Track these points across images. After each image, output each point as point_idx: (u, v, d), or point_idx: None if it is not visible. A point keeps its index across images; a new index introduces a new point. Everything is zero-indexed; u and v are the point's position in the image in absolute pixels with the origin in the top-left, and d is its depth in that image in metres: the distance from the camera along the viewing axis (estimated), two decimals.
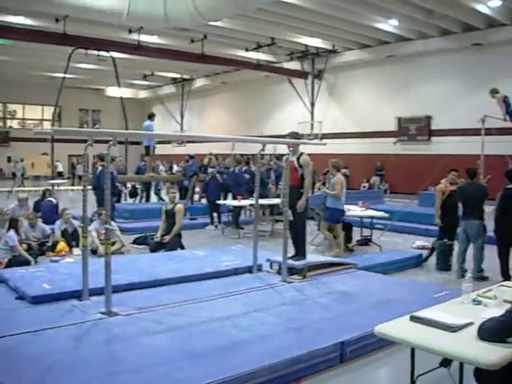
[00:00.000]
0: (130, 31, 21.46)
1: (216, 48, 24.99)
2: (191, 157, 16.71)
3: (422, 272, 9.14)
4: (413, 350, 3.41)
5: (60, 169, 32.57)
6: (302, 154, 7.71)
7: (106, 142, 5.48)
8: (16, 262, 8.43)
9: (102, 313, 5.46)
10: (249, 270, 7.67)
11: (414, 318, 3.56)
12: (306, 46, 25.67)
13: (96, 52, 21.73)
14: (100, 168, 11.77)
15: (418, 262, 9.57)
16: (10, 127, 38.81)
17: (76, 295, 5.98)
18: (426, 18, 19.80)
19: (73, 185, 30.22)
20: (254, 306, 5.94)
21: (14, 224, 9.09)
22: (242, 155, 15.50)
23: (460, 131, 20.61)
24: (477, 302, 3.96)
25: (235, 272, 7.62)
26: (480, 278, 8.16)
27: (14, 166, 30.89)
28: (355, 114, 26.45)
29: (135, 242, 11.31)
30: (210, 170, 14.95)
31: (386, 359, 4.96)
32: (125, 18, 17.71)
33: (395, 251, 10.32)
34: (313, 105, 28.43)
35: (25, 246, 9.26)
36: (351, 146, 26.02)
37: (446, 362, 3.59)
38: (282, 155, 7.42)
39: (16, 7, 17.08)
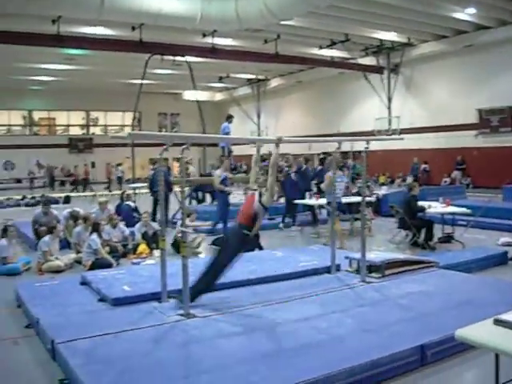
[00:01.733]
0: (204, 35, 21.74)
1: (290, 47, 24.95)
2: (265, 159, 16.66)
3: (508, 270, 8.68)
4: (497, 356, 3.23)
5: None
6: None
7: (183, 144, 5.59)
8: (99, 264, 8.73)
9: (181, 315, 5.54)
10: (327, 270, 7.57)
11: (498, 322, 3.37)
12: (381, 40, 25.18)
13: (172, 57, 22.17)
14: (151, 172, 12.06)
15: (503, 259, 9.11)
16: (93, 134, 40.26)
17: (156, 297, 6.10)
18: (505, 3, 18.99)
19: None
20: (331, 308, 5.86)
21: (96, 227, 9.40)
22: (319, 154, 15.32)
23: None
24: None
25: (313, 272, 7.54)
26: None
27: (114, 170, 32.29)
28: (434, 107, 25.71)
29: (214, 243, 11.40)
30: (285, 170, 14.92)
31: (469, 363, 4.75)
32: (198, 22, 18.07)
33: (479, 248, 9.84)
34: (390, 100, 27.85)
35: (107, 248, 9.55)
36: (430, 140, 25.38)
37: None
38: (360, 152, 7.28)
39: (95, 18, 17.68)
